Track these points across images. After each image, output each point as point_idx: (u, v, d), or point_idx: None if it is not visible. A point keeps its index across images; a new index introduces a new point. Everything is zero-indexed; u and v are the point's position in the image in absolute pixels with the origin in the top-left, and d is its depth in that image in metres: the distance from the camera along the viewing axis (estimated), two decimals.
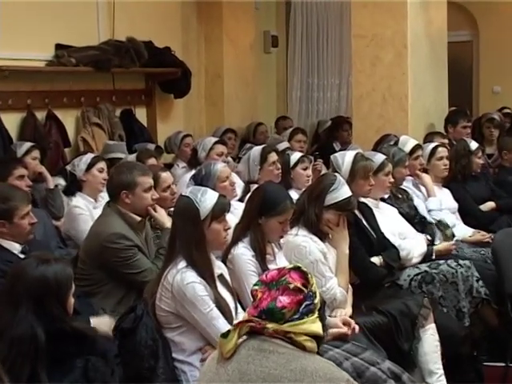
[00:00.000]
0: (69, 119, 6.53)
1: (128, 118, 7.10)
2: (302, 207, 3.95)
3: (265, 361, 2.31)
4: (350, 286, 4.03)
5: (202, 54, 8.27)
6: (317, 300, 2.37)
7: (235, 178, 5.30)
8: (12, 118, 6.02)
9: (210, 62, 8.29)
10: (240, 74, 8.45)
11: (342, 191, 3.95)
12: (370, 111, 6.56)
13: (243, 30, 8.49)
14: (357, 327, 3.60)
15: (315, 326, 2.35)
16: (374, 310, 3.95)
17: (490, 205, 5.80)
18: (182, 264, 3.25)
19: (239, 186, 5.27)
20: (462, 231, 5.37)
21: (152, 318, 3.26)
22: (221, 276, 3.41)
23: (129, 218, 3.94)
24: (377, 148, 5.65)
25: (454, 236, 5.15)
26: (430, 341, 3.98)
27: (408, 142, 5.57)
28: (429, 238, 4.91)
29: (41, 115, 6.23)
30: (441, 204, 5.41)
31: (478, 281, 4.55)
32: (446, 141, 6.40)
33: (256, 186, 4.49)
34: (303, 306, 2.34)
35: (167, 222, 3.85)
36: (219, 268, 3.47)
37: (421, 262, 4.64)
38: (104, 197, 5.10)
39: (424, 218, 5.21)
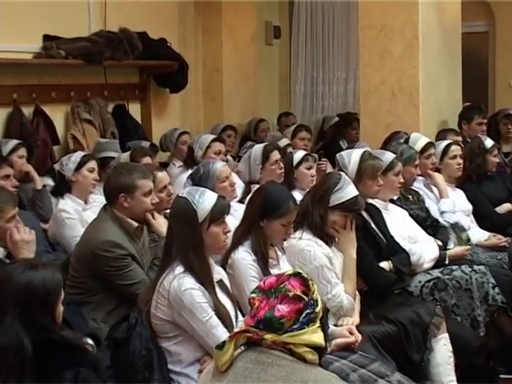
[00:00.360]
0: (58, 115, 6.53)
1: (121, 114, 7.11)
2: (306, 209, 3.96)
3: (263, 374, 2.29)
4: (357, 293, 4.04)
5: (200, 45, 8.28)
6: (318, 308, 2.36)
7: (235, 177, 5.30)
8: None
9: (209, 55, 8.29)
10: (240, 67, 8.45)
11: (348, 190, 3.96)
12: (378, 107, 6.57)
13: (243, 21, 8.50)
14: (360, 336, 3.60)
15: (316, 337, 2.34)
16: (382, 319, 3.95)
17: (506, 206, 5.80)
18: (179, 269, 3.25)
19: (239, 186, 5.27)
20: (477, 235, 5.37)
21: (147, 326, 3.26)
22: (220, 282, 3.41)
23: (125, 223, 3.93)
24: (386, 146, 5.66)
25: (469, 240, 5.14)
26: (442, 351, 3.98)
27: (419, 140, 5.58)
28: (440, 243, 4.91)
29: (28, 111, 6.23)
30: (454, 206, 5.41)
31: (493, 287, 4.55)
32: (460, 138, 6.40)
33: (257, 186, 4.49)
34: (303, 314, 2.33)
35: (165, 231, 3.84)
36: (218, 273, 3.47)
37: (433, 268, 4.64)
38: (95, 199, 5.11)
39: (436, 221, 5.21)
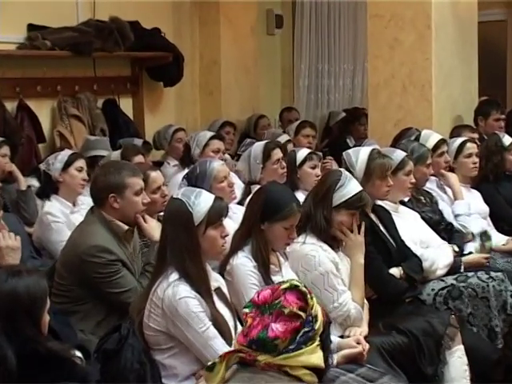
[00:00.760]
0: (43, 111, 6.54)
1: (111, 110, 7.11)
2: (308, 211, 3.96)
3: None
4: (365, 302, 4.04)
5: (197, 35, 8.28)
6: (318, 325, 2.33)
7: (234, 177, 5.31)
8: None
9: (206, 45, 8.30)
10: (239, 59, 8.45)
11: (351, 187, 3.97)
12: (388, 101, 6.57)
13: (243, 9, 8.50)
14: (367, 346, 3.61)
15: (315, 357, 2.31)
16: (393, 329, 3.95)
17: None
18: (174, 276, 3.25)
19: (239, 187, 5.27)
20: (495, 239, 5.37)
21: (139, 338, 3.27)
22: (218, 290, 3.41)
23: (115, 226, 3.93)
24: (396, 144, 5.66)
25: (491, 249, 5.14)
26: (457, 365, 3.98)
27: (431, 137, 5.58)
28: (456, 248, 4.91)
29: (11, 106, 6.24)
30: (469, 208, 5.41)
31: None
32: (476, 135, 6.40)
33: (258, 186, 4.50)
34: (301, 333, 2.30)
35: (157, 235, 3.84)
36: (216, 281, 3.47)
37: (447, 275, 4.64)
38: (84, 201, 5.11)
39: (451, 224, 5.21)
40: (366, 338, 3.77)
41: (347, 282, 3.94)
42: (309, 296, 2.35)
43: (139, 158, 5.47)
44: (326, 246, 3.92)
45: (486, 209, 5.59)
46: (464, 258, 4.86)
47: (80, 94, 6.74)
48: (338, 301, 3.85)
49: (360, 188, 4.01)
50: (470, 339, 4.16)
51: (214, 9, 8.24)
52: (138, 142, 6.43)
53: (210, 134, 6.24)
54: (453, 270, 4.70)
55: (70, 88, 6.68)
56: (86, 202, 5.06)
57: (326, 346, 2.39)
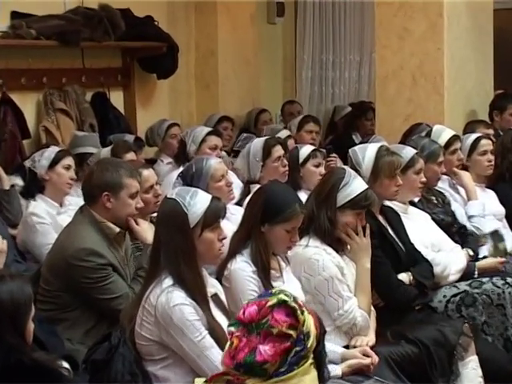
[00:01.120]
0: (28, 104, 6.53)
1: (101, 103, 7.11)
2: (311, 213, 3.97)
3: None
4: (372, 309, 4.05)
5: (192, 24, 8.28)
6: (310, 341, 2.28)
7: (232, 176, 5.31)
8: None
9: (202, 35, 8.29)
10: (238, 49, 8.45)
11: (355, 185, 3.98)
12: (397, 95, 6.58)
13: None
14: (376, 358, 3.61)
15: (309, 379, 2.28)
16: (402, 339, 3.96)
17: None
18: (168, 282, 3.25)
19: (237, 186, 5.28)
20: (511, 242, 5.37)
21: (130, 347, 3.27)
22: (215, 296, 3.41)
23: (106, 228, 3.93)
24: (405, 140, 5.67)
25: (506, 252, 5.14)
26: (471, 377, 3.99)
27: (443, 133, 5.58)
28: (470, 252, 4.91)
29: None
30: (484, 209, 5.41)
31: None
32: (491, 131, 6.41)
33: (258, 186, 4.49)
34: (292, 353, 2.26)
35: (149, 238, 3.85)
36: (213, 287, 3.48)
37: (460, 280, 4.65)
38: (71, 201, 5.12)
39: (464, 226, 5.22)
40: (373, 347, 3.78)
41: (353, 287, 3.95)
42: (299, 312, 2.29)
43: (131, 156, 5.47)
44: (330, 250, 3.93)
45: (501, 210, 5.59)
46: (478, 263, 4.87)
47: (67, 87, 6.74)
48: (343, 308, 3.85)
49: (365, 186, 4.02)
50: (485, 349, 4.17)
51: None
52: (130, 138, 6.43)
53: (206, 129, 6.25)
54: (466, 275, 4.71)
55: (56, 80, 6.68)
56: (73, 202, 5.06)
57: (321, 361, 2.36)
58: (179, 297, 3.23)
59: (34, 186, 5.15)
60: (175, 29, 7.86)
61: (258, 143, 5.41)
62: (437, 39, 6.44)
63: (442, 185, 5.47)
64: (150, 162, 6.21)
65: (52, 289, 3.88)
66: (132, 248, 4.14)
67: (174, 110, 8.00)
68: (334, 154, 6.46)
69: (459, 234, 5.14)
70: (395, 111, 6.57)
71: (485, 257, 5.04)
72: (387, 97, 6.64)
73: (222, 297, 3.49)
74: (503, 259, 5.01)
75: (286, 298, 2.31)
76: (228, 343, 2.32)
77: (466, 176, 5.55)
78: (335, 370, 3.54)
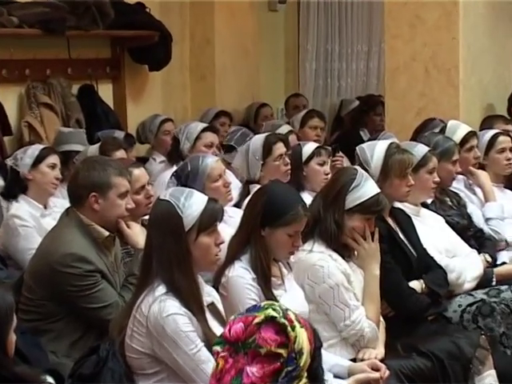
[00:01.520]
0: (9, 98, 6.54)
1: (88, 97, 7.12)
2: (317, 215, 3.97)
3: None
4: (382, 320, 4.05)
5: (187, 12, 8.28)
6: (303, 359, 2.25)
7: (230, 176, 5.31)
8: None
9: (198, 24, 8.30)
10: (236, 38, 8.46)
11: (367, 188, 3.98)
12: (408, 88, 6.58)
13: None
14: (387, 372, 3.61)
15: None
16: (413, 351, 3.96)
17: None
18: (161, 290, 3.26)
19: (236, 186, 5.28)
20: None
21: (120, 360, 3.27)
22: (211, 306, 3.42)
23: (94, 231, 3.92)
24: (417, 137, 5.67)
25: None
26: None
27: (458, 129, 5.59)
28: (487, 258, 4.91)
29: None
30: (503, 211, 5.42)
31: None
32: (510, 127, 6.41)
33: (258, 186, 4.50)
34: (283, 374, 2.23)
35: (141, 242, 3.85)
36: (209, 295, 3.48)
37: (476, 288, 4.65)
38: (56, 203, 5.12)
39: (481, 230, 5.22)
40: (382, 361, 3.78)
41: (360, 296, 3.95)
42: (289, 328, 2.25)
43: (120, 154, 5.47)
44: (336, 255, 3.93)
45: None
46: (496, 269, 4.88)
47: (52, 79, 6.74)
48: (350, 318, 3.85)
49: (378, 190, 4.01)
50: (503, 363, 4.17)
51: None
52: (119, 134, 6.44)
53: (201, 125, 6.25)
54: (483, 282, 4.71)
55: (40, 72, 6.68)
56: (58, 204, 5.07)
57: (316, 379, 2.33)
58: (173, 306, 3.23)
59: (17, 187, 5.15)
60: (168, 16, 7.86)
61: (257, 140, 5.41)
62: (451, 28, 6.44)
63: (457, 185, 5.47)
64: (142, 161, 6.20)
65: (35, 297, 3.88)
66: (122, 253, 4.15)
67: (168, 104, 8.00)
68: (341, 154, 6.45)
69: (475, 238, 5.15)
70: (406, 106, 6.58)
71: (503, 263, 5.05)
72: (398, 90, 6.64)
73: (219, 306, 3.49)
74: None
75: (274, 314, 2.27)
76: (214, 364, 2.29)
77: (483, 175, 5.55)
78: None
